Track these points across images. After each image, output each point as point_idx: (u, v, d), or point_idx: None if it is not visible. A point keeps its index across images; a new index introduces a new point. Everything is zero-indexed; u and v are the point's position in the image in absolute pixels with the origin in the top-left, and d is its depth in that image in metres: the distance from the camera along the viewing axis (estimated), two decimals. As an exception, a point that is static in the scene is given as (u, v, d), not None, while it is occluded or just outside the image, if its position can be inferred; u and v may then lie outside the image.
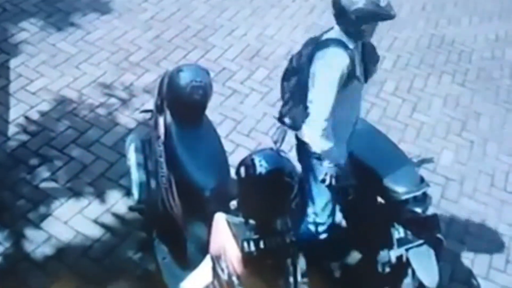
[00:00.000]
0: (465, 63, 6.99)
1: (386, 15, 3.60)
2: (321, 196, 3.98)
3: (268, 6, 7.21)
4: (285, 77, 3.93)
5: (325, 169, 3.78)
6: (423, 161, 4.55)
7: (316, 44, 3.75)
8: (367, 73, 3.89)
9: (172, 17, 6.73)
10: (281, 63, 6.19)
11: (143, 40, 6.32)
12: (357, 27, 3.63)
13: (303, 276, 3.99)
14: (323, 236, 4.09)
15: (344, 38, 3.68)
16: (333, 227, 4.13)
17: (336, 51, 3.65)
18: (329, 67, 3.63)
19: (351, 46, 3.67)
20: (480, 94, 6.56)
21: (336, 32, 3.72)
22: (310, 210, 4.04)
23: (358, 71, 3.74)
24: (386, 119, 5.92)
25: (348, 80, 3.67)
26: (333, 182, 3.80)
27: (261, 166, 3.03)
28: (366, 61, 3.85)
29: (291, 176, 3.07)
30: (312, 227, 4.07)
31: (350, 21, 3.61)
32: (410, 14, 7.68)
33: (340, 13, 3.63)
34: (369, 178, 4.03)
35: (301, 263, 3.91)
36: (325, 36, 3.78)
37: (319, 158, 3.77)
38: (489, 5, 8.15)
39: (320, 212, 4.03)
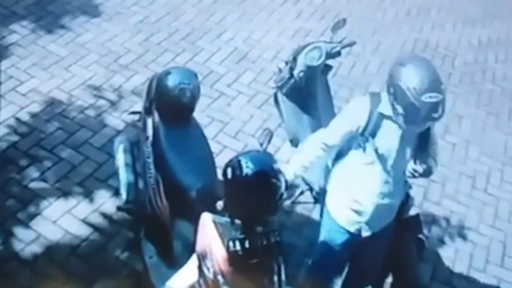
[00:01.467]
0: (448, 68, 7.08)
1: (417, 110, 3.21)
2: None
3: (256, 10, 7.28)
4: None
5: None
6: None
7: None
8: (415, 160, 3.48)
9: (161, 20, 6.78)
10: (267, 66, 6.29)
11: (132, 43, 6.36)
12: (393, 104, 3.32)
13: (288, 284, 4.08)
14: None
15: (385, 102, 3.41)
16: None
17: (360, 104, 3.53)
18: (345, 112, 3.62)
19: (386, 112, 3.39)
20: (462, 98, 6.66)
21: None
22: None
23: (384, 147, 3.45)
24: (370, 122, 5.97)
25: (356, 143, 3.50)
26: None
27: (247, 168, 3.07)
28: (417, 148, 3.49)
29: (277, 177, 3.10)
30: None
31: (390, 94, 3.34)
32: (395, 19, 7.77)
33: (389, 79, 3.35)
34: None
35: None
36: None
37: None
38: (472, 10, 8.26)
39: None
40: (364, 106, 3.46)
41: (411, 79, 3.19)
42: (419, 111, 3.21)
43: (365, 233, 3.68)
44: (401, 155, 3.47)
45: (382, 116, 3.41)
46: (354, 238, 3.70)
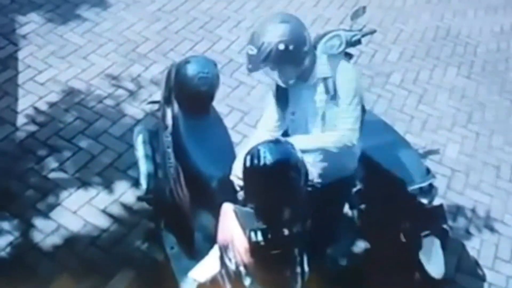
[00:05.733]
0: (470, 56, 6.99)
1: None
2: None
3: (275, -2, 7.23)
4: None
5: None
6: (429, 153, 4.58)
7: None
8: None
9: (179, 8, 6.74)
10: (287, 54, 6.21)
11: (151, 31, 6.33)
12: None
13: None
14: None
15: None
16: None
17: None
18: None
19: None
20: (485, 86, 6.57)
21: None
22: None
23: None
24: (392, 111, 5.93)
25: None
26: None
27: (265, 158, 3.02)
28: None
29: (296, 167, 3.07)
30: None
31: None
32: (415, 7, 7.68)
33: None
34: (375, 169, 4.05)
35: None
36: None
37: None
38: (493, -3, 8.16)
39: None
40: None
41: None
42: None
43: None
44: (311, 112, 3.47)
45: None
46: None
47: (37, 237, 4.32)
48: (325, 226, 3.81)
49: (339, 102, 3.38)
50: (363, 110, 3.53)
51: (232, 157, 3.72)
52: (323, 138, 3.44)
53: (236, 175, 3.37)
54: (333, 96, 3.39)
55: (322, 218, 3.84)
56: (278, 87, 3.51)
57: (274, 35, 3.24)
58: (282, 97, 3.53)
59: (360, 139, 3.66)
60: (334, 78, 3.40)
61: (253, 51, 3.26)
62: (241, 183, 3.28)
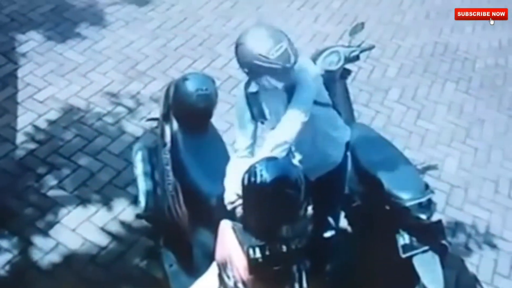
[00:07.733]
0: (468, 71, 7.02)
1: (277, 68, 3.27)
2: None
3: (273, 15, 7.24)
4: None
5: None
6: (428, 168, 4.58)
7: None
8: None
9: (178, 26, 6.78)
10: (286, 71, 6.24)
11: (150, 49, 6.36)
12: (254, 78, 3.45)
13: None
14: None
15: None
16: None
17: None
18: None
19: (253, 89, 3.52)
20: (483, 102, 6.59)
21: None
22: None
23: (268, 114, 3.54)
24: (390, 127, 5.94)
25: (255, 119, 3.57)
26: None
27: (261, 176, 3.02)
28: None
29: (295, 186, 3.07)
30: None
31: (246, 72, 3.43)
32: (414, 22, 7.72)
33: (239, 62, 3.43)
34: (374, 185, 4.05)
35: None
36: None
37: None
38: (492, 13, 8.18)
39: None
40: (240, 95, 3.62)
41: (252, 49, 3.31)
42: (271, 70, 3.27)
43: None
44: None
45: (255, 94, 3.54)
46: None
47: (36, 255, 4.31)
48: (322, 221, 3.90)
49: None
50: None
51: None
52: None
53: (230, 201, 3.34)
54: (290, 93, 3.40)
55: (319, 215, 3.90)
56: (248, 101, 3.53)
57: (281, 38, 3.34)
58: (256, 107, 3.54)
59: (346, 131, 3.80)
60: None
61: (274, 55, 3.25)
62: (238, 206, 3.27)
